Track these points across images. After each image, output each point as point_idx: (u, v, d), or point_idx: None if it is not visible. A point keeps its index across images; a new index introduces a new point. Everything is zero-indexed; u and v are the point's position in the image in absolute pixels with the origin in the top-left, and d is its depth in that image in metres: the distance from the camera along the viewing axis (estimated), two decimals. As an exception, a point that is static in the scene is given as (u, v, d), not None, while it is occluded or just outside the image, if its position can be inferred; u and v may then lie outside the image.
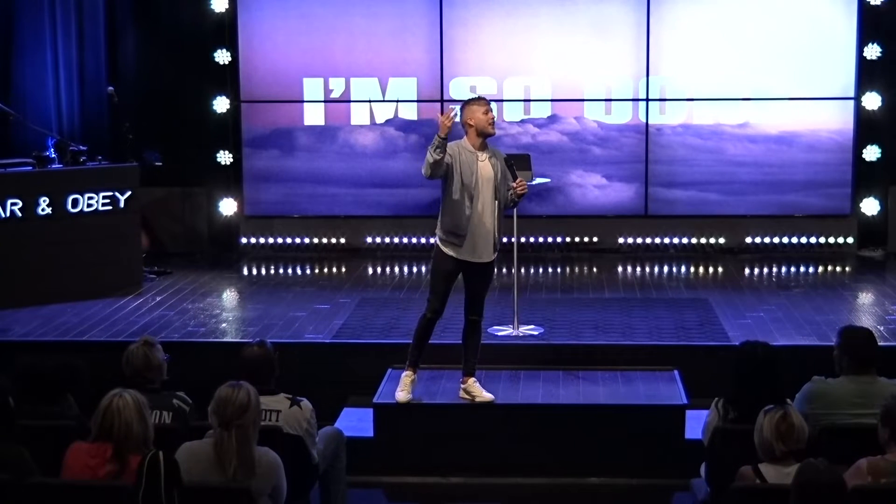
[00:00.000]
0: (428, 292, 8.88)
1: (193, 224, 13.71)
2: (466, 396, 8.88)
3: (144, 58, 13.59)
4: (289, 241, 13.69)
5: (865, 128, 13.20)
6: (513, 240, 10.09)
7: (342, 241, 13.67)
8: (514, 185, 8.66)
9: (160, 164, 12.46)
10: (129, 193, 11.53)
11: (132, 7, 13.56)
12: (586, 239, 13.53)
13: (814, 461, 5.45)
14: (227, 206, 13.65)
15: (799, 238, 13.41)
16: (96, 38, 13.34)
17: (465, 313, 8.82)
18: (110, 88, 12.52)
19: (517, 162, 9.86)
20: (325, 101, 13.55)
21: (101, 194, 11.36)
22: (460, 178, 8.50)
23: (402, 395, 8.84)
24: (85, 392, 6.93)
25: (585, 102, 13.40)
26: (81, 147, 11.64)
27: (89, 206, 11.31)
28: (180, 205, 13.67)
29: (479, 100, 8.69)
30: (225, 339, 10.06)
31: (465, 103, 8.70)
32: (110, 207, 11.43)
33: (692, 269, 12.81)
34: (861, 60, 13.10)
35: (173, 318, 10.65)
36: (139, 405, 5.90)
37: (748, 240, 13.44)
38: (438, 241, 8.70)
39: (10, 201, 10.89)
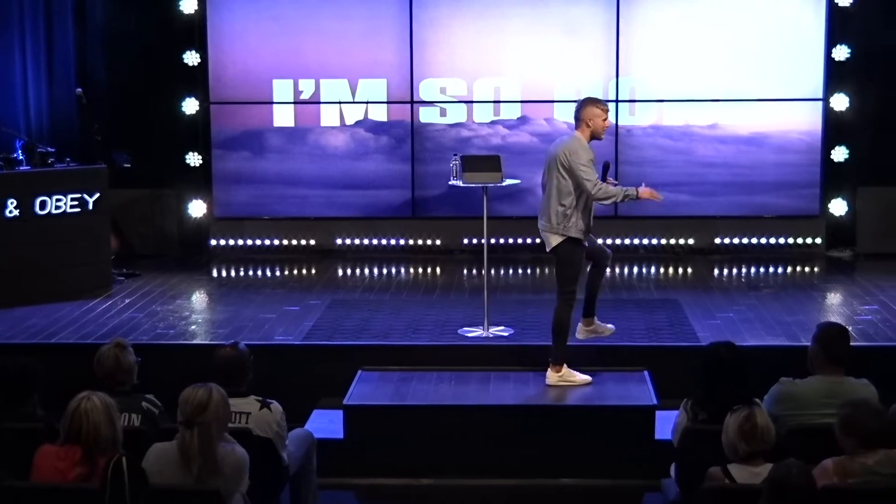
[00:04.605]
0: (563, 288, 9.10)
1: (163, 226, 13.66)
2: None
3: (113, 59, 13.52)
4: (259, 242, 13.65)
5: (834, 129, 13.26)
6: (482, 241, 10.10)
7: (312, 242, 13.65)
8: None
9: (129, 165, 12.42)
10: (97, 195, 11.48)
11: (101, 8, 13.50)
12: (556, 240, 13.52)
13: (788, 462, 5.46)
14: (197, 208, 13.61)
15: (768, 239, 13.46)
16: (65, 40, 13.28)
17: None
18: (79, 90, 12.45)
19: (487, 163, 9.93)
20: (294, 103, 13.53)
21: (70, 196, 11.30)
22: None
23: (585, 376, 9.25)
24: (42, 394, 6.94)
25: (555, 104, 13.42)
26: (50, 149, 11.59)
27: (57, 208, 11.25)
28: (150, 206, 13.62)
29: (602, 104, 9.06)
30: (194, 342, 10.02)
31: (588, 102, 9.07)
32: (79, 209, 11.38)
33: (662, 270, 12.85)
34: (829, 62, 13.16)
35: (142, 320, 10.61)
36: (108, 408, 5.88)
37: (718, 241, 13.49)
38: (572, 238, 8.97)
39: (-23, 203, 10.85)
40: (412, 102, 13.42)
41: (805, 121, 13.32)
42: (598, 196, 8.88)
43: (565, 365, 9.20)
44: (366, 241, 13.58)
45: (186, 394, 6.05)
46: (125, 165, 12.37)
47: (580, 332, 9.54)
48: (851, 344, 7.35)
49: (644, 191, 8.99)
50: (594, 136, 9.01)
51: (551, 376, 9.18)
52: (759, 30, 13.20)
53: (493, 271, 12.24)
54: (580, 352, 9.65)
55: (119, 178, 12.30)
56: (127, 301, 11.31)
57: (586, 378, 9.24)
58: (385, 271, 12.86)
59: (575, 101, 13.08)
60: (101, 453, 5.81)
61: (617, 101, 13.29)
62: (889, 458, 6.04)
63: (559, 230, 8.96)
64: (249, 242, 13.65)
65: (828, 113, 13.22)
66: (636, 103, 13.35)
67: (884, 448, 6.07)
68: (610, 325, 9.64)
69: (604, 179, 9.06)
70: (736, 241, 13.47)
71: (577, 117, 9.04)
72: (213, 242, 13.66)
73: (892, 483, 5.98)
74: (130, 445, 5.95)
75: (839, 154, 13.25)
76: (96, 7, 13.49)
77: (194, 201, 13.60)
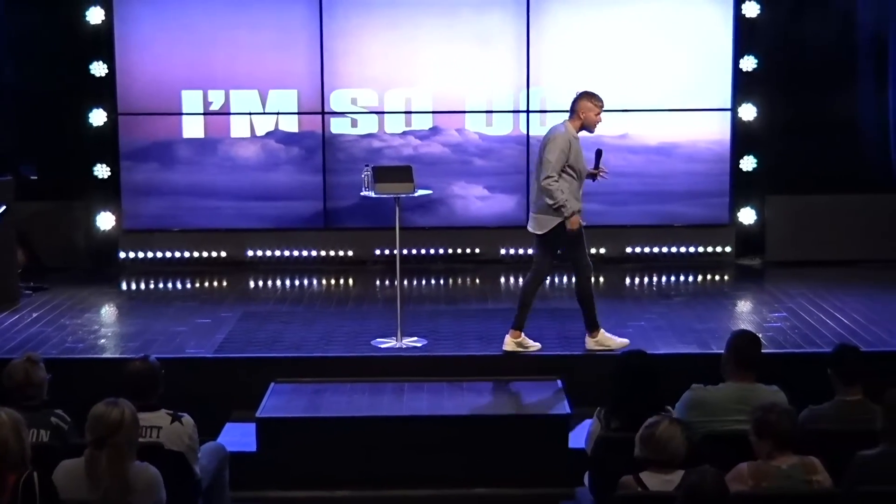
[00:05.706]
0: (579, 263, 9.66)
1: (71, 238, 13.47)
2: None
3: (19, 70, 13.33)
4: (169, 254, 13.51)
5: (742, 138, 13.40)
6: (395, 252, 10.08)
7: (224, 254, 13.54)
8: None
9: (36, 177, 12.26)
10: (3, 208, 11.29)
11: (6, 19, 13.31)
12: (469, 250, 13.55)
13: (701, 469, 5.50)
14: (106, 220, 13.45)
15: (679, 247, 13.56)
16: (-31, 50, 13.11)
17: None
18: (-17, 101, 12.29)
19: (399, 174, 9.94)
20: (204, 114, 13.42)
21: (-25, 209, 11.15)
22: (577, 164, 9.33)
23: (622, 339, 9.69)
24: None
25: (467, 114, 13.44)
26: (-46, 161, 11.43)
27: (-39, 220, 11.08)
28: (58, 219, 13.43)
29: (597, 99, 9.41)
30: (104, 356, 9.90)
31: (584, 95, 9.44)
32: (-17, 222, 11.21)
33: (574, 279, 12.84)
34: (737, 72, 13.30)
35: (51, 333, 10.46)
36: (16, 423, 5.78)
37: (629, 250, 13.57)
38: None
39: None
40: (323, 113, 13.37)
41: (714, 130, 13.45)
42: (544, 187, 9.22)
43: (602, 330, 9.62)
44: (277, 253, 13.50)
45: (97, 412, 5.96)
46: (32, 177, 12.21)
47: (507, 345, 9.67)
48: (762, 351, 7.44)
49: (573, 221, 9.33)
50: (585, 129, 9.42)
51: (589, 342, 9.66)
52: (669, 41, 13.31)
53: (405, 282, 12.23)
54: (493, 360, 9.68)
55: (26, 190, 12.14)
56: (35, 315, 11.15)
57: (624, 341, 9.64)
58: (297, 283, 12.80)
59: (486, 112, 13.37)
60: (10, 469, 5.71)
61: (528, 111, 13.34)
62: (802, 464, 6.14)
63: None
64: (160, 255, 13.51)
65: (736, 122, 13.37)
66: (547, 113, 13.37)
67: (797, 452, 6.15)
68: (537, 343, 9.76)
69: (596, 166, 9.58)
70: (647, 249, 13.56)
71: (572, 108, 9.42)
72: (123, 255, 13.50)
73: (804, 489, 6.06)
74: (39, 461, 5.85)
75: (747, 163, 13.40)
76: (0, 17, 13.30)
77: (103, 213, 13.44)
